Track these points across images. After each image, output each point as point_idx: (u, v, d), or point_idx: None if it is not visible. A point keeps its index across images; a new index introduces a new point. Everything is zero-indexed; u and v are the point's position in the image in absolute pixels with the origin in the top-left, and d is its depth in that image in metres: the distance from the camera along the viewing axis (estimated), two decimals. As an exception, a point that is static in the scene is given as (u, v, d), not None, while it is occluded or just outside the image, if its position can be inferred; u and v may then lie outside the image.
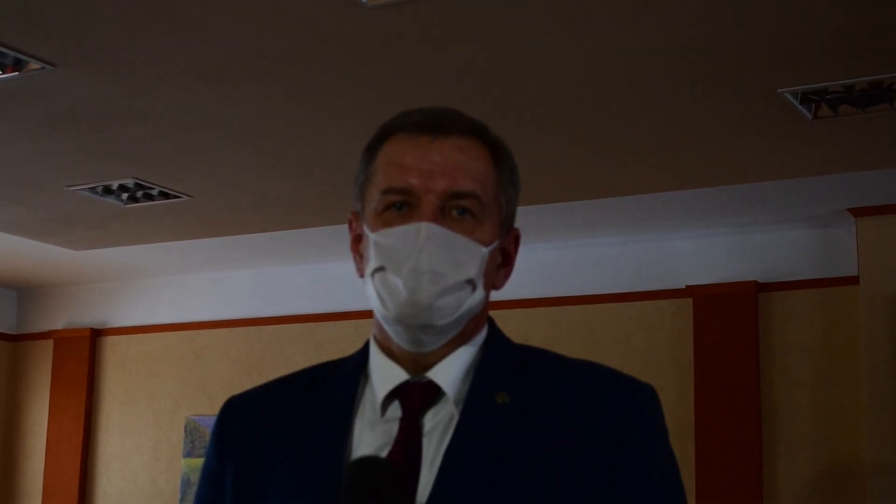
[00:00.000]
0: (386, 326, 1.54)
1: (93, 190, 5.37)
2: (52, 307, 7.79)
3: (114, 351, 7.50)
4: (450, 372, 1.52)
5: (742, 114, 4.23)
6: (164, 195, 5.42)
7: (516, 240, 1.61)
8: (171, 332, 7.32)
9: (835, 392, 5.52)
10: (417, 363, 1.53)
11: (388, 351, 1.55)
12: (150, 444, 7.25)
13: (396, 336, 1.52)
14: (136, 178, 5.17)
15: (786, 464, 5.57)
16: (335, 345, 6.67)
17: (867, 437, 5.25)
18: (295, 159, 4.87)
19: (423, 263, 1.47)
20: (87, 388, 7.46)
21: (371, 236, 1.52)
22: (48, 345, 7.70)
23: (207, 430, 7.00)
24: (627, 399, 1.52)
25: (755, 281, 5.74)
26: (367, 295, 1.54)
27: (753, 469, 5.58)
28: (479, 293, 1.52)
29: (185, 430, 7.10)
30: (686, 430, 5.71)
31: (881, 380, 5.23)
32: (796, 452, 5.56)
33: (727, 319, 5.75)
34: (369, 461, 1.45)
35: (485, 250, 1.51)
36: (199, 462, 6.97)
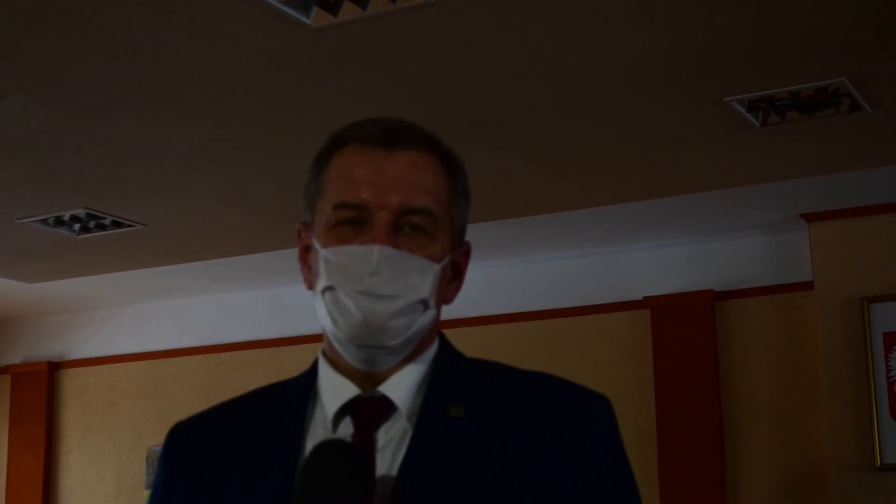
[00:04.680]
0: (337, 345, 1.51)
1: (44, 221, 5.32)
2: (7, 341, 7.70)
3: (72, 383, 7.42)
4: (402, 386, 1.50)
5: (690, 124, 4.26)
6: (117, 224, 5.38)
7: (467, 254, 1.59)
8: (129, 363, 7.26)
9: (795, 396, 5.55)
10: (369, 378, 1.51)
11: (339, 366, 1.53)
12: (113, 476, 7.18)
13: (348, 354, 1.50)
14: (88, 208, 5.13)
15: (748, 470, 5.59)
16: (296, 369, 6.52)
17: (828, 440, 5.28)
18: (247, 183, 4.85)
19: (375, 287, 1.45)
20: (46, 422, 7.38)
21: (321, 252, 1.49)
22: (5, 380, 7.61)
23: (169, 459, 6.94)
24: (582, 409, 1.51)
25: (712, 290, 5.77)
26: (317, 311, 1.51)
27: (717, 477, 5.59)
28: (432, 312, 1.50)
29: (147, 460, 7.03)
30: (648, 440, 5.72)
31: (840, 382, 5.27)
32: (759, 458, 5.58)
33: (685, 329, 5.78)
34: (331, 442, 1.44)
35: (437, 267, 1.49)
36: (161, 492, 6.91)
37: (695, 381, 5.70)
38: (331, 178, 1.52)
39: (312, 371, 1.58)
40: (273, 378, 6.55)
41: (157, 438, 7.04)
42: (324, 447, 1.43)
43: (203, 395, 6.93)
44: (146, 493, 6.98)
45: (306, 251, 1.57)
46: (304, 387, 1.57)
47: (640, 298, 5.93)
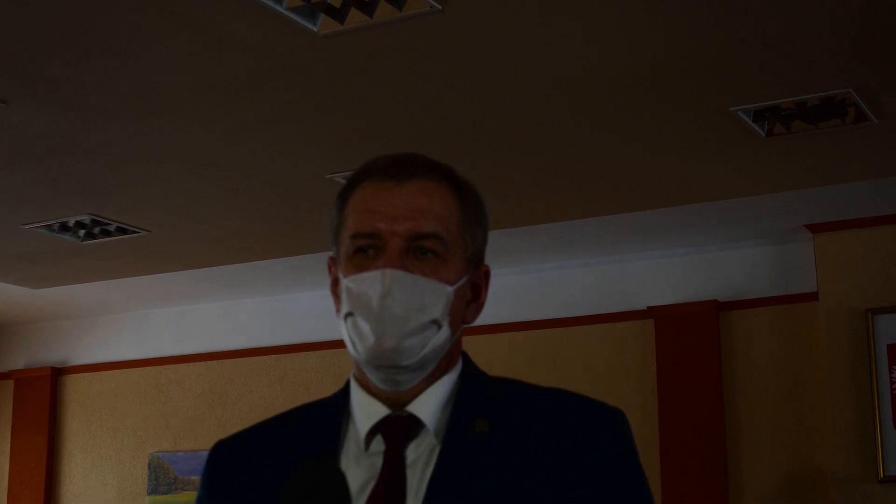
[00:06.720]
0: (361, 367, 1.59)
1: (49, 227, 5.33)
2: (11, 347, 7.71)
3: (75, 389, 7.43)
4: (429, 404, 1.58)
5: (696, 133, 4.26)
6: (122, 230, 5.39)
7: (486, 275, 1.67)
8: (133, 369, 7.26)
9: (798, 407, 5.54)
10: (396, 398, 1.58)
11: (368, 388, 1.61)
12: (114, 481, 7.17)
13: (371, 376, 1.58)
14: (93, 214, 5.14)
15: (751, 480, 5.59)
16: (299, 377, 6.64)
17: (831, 450, 5.27)
18: (251, 191, 4.85)
19: (388, 308, 1.52)
20: (48, 427, 7.38)
21: (343, 281, 1.58)
22: (8, 385, 7.61)
23: (171, 466, 6.94)
24: (599, 423, 1.58)
25: (716, 300, 5.77)
26: (342, 336, 1.59)
27: (719, 487, 5.58)
28: (445, 332, 1.57)
29: (149, 466, 7.03)
30: (651, 449, 5.71)
31: (842, 393, 5.26)
32: (761, 468, 5.57)
33: (689, 339, 5.77)
34: (315, 460, 1.53)
35: (450, 289, 1.57)
36: (163, 499, 6.90)
37: (698, 391, 5.69)
38: (349, 212, 1.60)
39: (345, 392, 1.66)
40: (276, 386, 6.53)
41: (159, 444, 7.03)
42: (306, 465, 1.52)
43: (206, 402, 6.92)
44: (148, 500, 6.97)
45: (336, 284, 1.64)
46: (337, 407, 1.64)
47: (644, 308, 5.93)
